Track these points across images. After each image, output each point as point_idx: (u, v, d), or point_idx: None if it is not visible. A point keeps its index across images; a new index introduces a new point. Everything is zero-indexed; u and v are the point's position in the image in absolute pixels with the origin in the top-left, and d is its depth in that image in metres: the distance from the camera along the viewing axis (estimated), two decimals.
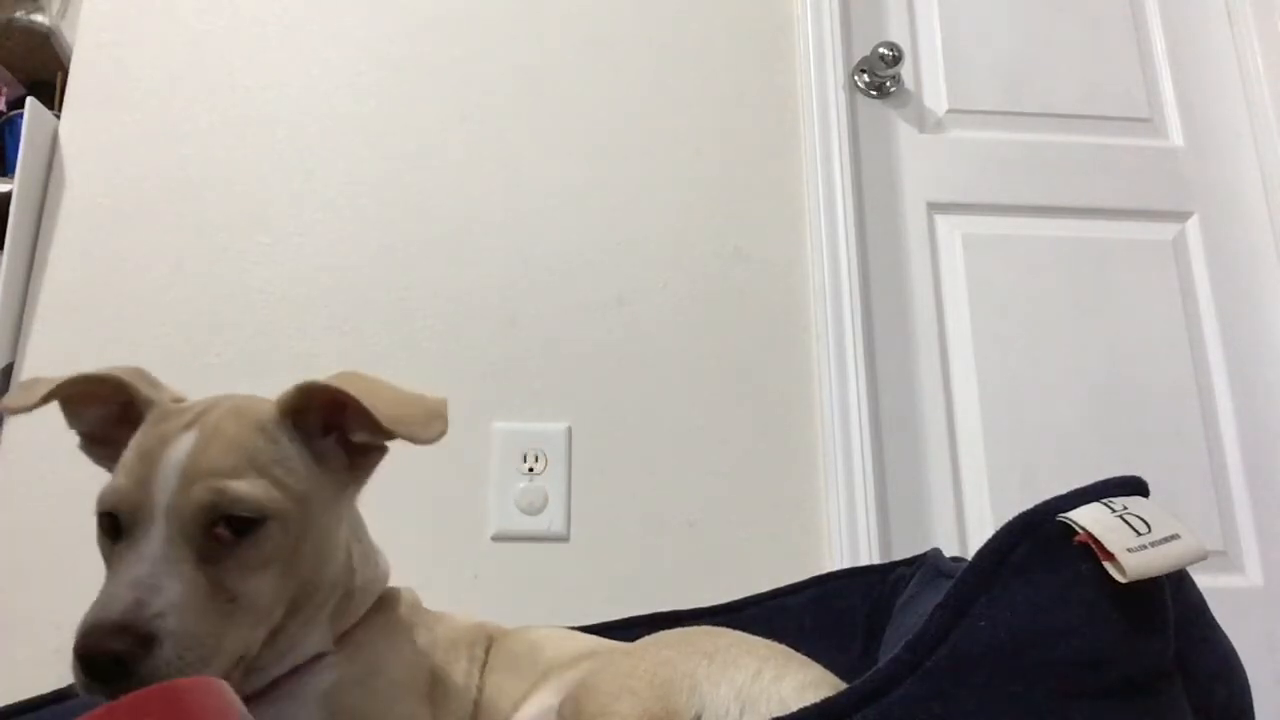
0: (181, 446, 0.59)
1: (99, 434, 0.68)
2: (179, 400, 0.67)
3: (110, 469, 0.66)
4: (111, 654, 0.52)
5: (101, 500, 0.60)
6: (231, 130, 1.50)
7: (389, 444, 0.68)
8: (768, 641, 0.65)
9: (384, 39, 1.57)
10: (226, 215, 1.47)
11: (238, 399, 0.65)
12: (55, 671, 0.85)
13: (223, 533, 0.58)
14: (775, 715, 0.52)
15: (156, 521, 0.57)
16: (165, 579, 0.55)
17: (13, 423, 1.34)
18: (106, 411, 0.67)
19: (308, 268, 1.45)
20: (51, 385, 0.64)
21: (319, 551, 0.64)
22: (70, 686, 0.82)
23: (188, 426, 0.61)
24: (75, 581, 1.27)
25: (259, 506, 0.59)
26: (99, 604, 0.54)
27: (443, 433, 0.63)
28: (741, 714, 0.56)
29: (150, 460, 0.59)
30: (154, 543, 0.56)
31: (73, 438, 1.29)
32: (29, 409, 0.64)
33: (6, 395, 0.66)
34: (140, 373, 0.67)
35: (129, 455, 0.61)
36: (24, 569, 1.29)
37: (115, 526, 0.59)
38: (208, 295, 1.43)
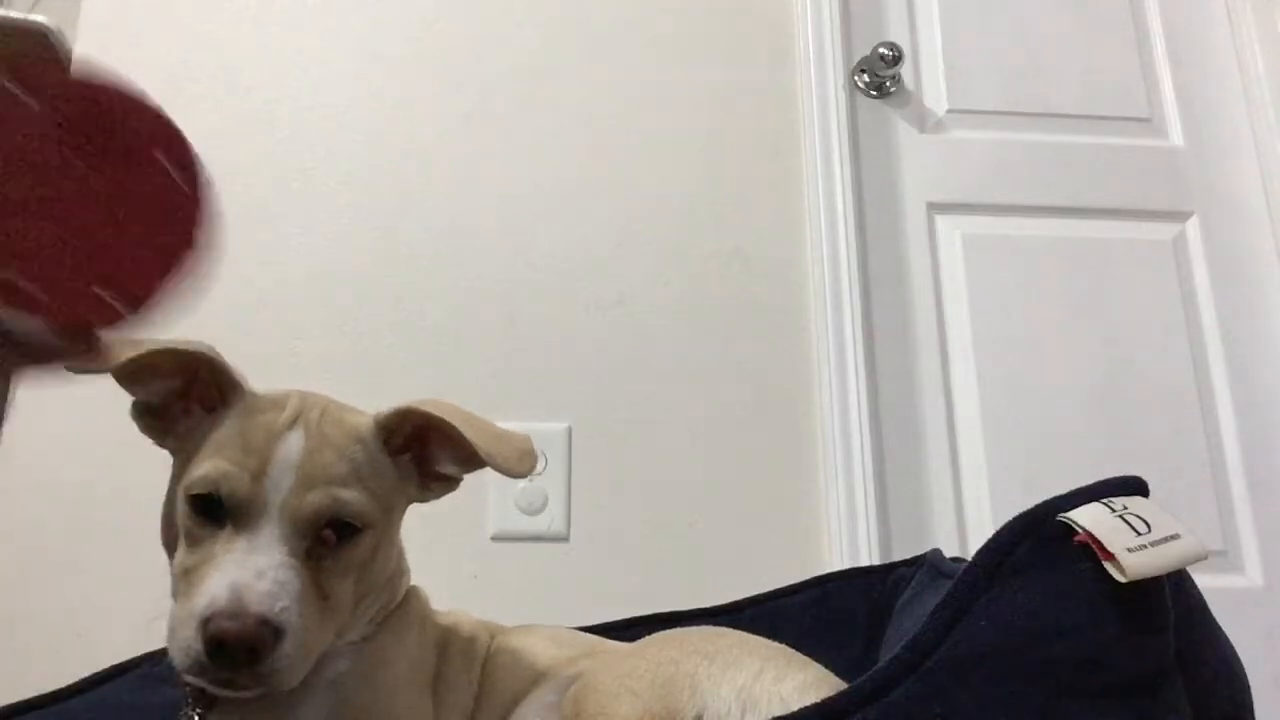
0: (292, 447, 0.62)
1: (158, 405, 0.68)
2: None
3: (159, 441, 0.67)
4: (249, 641, 0.54)
5: (204, 483, 0.60)
6: (231, 130, 1.50)
7: (464, 477, 0.71)
8: (768, 642, 0.66)
9: (384, 39, 1.57)
10: (226, 215, 1.46)
11: (325, 401, 0.67)
12: (55, 670, 0.85)
13: (329, 535, 0.61)
14: (776, 715, 0.52)
15: (270, 516, 0.59)
16: (287, 574, 0.57)
17: (12, 422, 1.34)
18: (172, 384, 0.67)
19: (308, 268, 1.45)
20: (138, 350, 0.62)
21: (386, 560, 0.68)
22: (72, 685, 0.82)
23: (290, 425, 0.63)
24: (75, 581, 1.27)
25: (364, 516, 0.62)
26: (231, 589, 0.55)
27: (533, 468, 0.66)
28: (743, 714, 0.56)
29: (261, 455, 0.61)
30: (271, 537, 0.59)
31: (73, 437, 1.28)
32: (106, 370, 0.62)
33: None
34: (215, 352, 0.67)
35: (229, 441, 0.62)
36: (24, 568, 1.29)
37: (212, 510, 0.60)
38: (207, 295, 1.42)
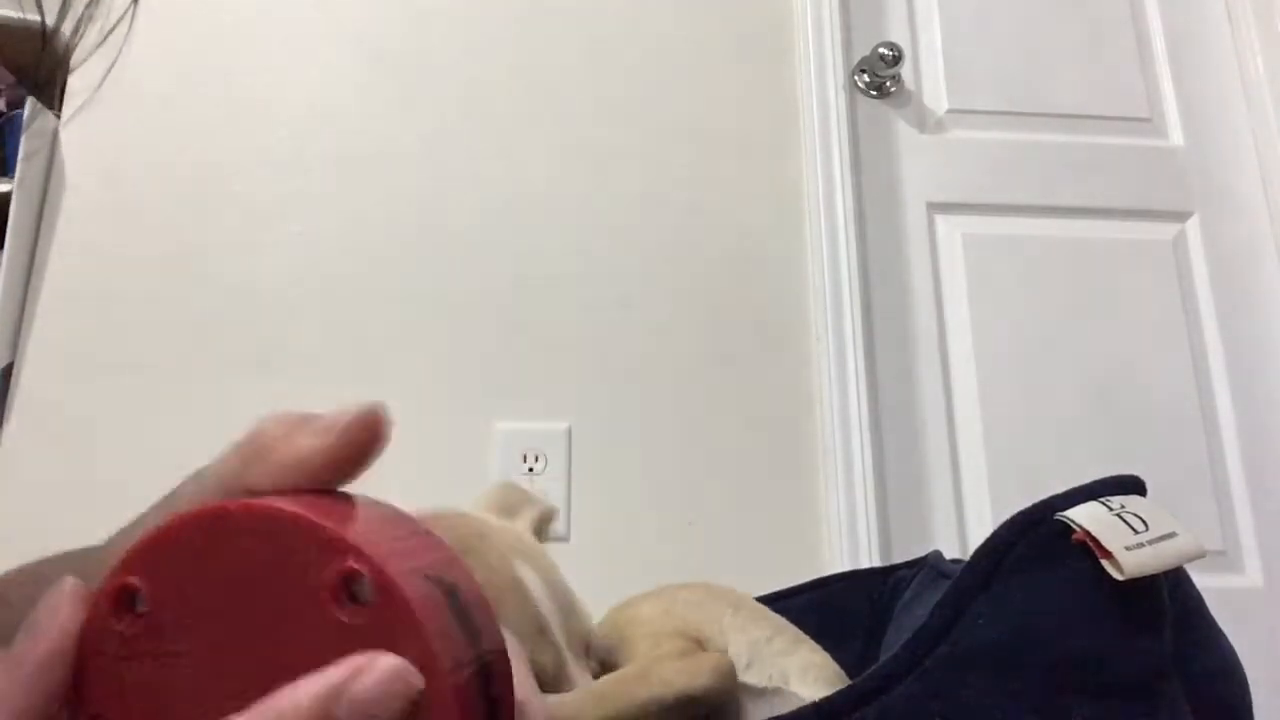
0: None
1: None
2: None
3: None
4: None
5: None
6: (231, 130, 1.50)
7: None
8: (781, 618, 0.67)
9: (384, 38, 1.57)
10: (227, 215, 1.47)
11: None
12: None
13: None
14: (775, 683, 0.53)
15: None
16: None
17: (12, 422, 1.34)
18: None
19: (308, 268, 1.45)
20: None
21: None
22: None
23: None
24: None
25: None
26: None
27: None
28: (747, 667, 0.58)
29: None
30: None
31: (73, 436, 1.28)
32: None
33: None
34: None
35: None
36: None
37: None
38: (208, 295, 1.43)
